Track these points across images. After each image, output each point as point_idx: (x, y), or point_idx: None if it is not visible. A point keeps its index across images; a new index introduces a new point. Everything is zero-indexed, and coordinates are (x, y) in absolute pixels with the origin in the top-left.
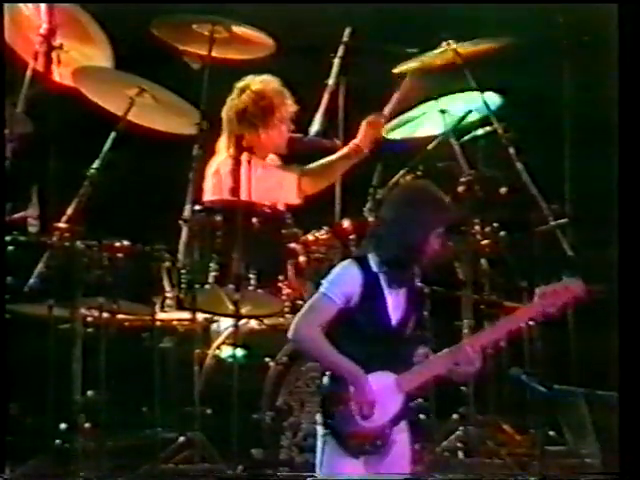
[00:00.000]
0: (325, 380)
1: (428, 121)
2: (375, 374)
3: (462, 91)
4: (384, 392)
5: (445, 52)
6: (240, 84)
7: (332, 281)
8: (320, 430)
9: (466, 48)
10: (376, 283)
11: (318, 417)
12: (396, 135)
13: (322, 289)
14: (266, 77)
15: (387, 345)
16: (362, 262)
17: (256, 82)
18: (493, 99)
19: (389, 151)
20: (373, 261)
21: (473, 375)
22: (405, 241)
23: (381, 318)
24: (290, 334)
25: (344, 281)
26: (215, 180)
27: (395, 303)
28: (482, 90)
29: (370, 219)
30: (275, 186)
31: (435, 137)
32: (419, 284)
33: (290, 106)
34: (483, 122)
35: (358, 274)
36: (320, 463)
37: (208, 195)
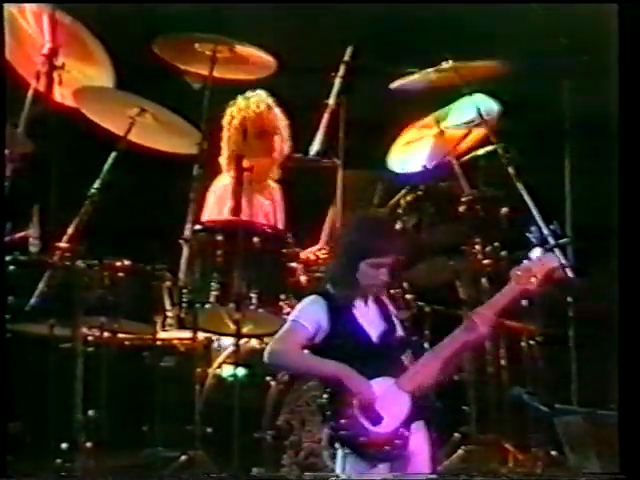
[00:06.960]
0: (324, 398)
1: (427, 142)
2: (374, 381)
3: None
4: (387, 396)
5: (444, 72)
6: (234, 100)
7: (299, 309)
8: (339, 449)
9: (466, 67)
10: (341, 305)
11: (325, 435)
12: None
13: (291, 317)
14: (259, 94)
15: (376, 358)
16: (323, 289)
17: (248, 98)
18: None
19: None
20: None
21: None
22: (335, 266)
23: (359, 337)
24: (265, 358)
25: (310, 308)
26: (215, 200)
27: (368, 320)
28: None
29: None
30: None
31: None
32: (383, 298)
33: (282, 127)
34: (483, 142)
35: (321, 300)
36: None
37: (208, 215)
